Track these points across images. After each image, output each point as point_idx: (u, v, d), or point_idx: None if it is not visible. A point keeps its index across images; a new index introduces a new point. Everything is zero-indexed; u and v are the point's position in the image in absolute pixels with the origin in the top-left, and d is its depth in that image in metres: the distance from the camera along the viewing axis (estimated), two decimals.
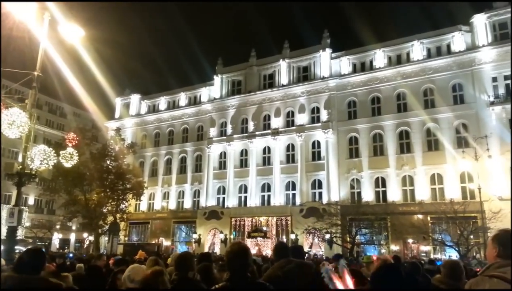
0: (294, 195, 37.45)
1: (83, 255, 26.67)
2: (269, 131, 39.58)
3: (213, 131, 43.14)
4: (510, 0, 30.04)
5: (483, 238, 25.14)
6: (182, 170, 45.12)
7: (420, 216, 30.27)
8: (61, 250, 39.80)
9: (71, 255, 22.01)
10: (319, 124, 37.16)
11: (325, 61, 38.48)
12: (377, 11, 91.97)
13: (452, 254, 26.19)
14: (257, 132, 40.20)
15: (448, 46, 34.12)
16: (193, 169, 44.28)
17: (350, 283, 3.33)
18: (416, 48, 34.86)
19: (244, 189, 40.47)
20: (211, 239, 39.84)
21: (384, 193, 33.71)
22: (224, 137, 42.07)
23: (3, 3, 8.21)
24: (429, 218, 30.24)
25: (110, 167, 35.14)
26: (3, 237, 8.80)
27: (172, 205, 44.29)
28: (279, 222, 36.45)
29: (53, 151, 9.61)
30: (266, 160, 40.10)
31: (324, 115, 37.32)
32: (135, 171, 38.17)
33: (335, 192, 35.04)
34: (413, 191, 32.75)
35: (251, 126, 41.16)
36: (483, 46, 31.88)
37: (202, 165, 43.78)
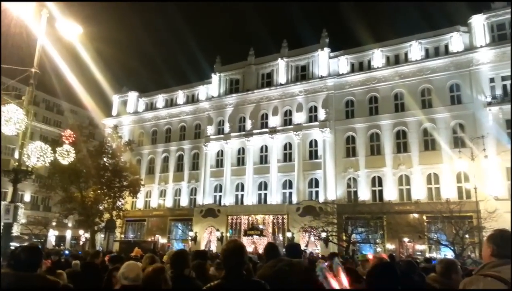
0: (290, 193, 37.50)
1: (79, 252, 26.64)
2: (266, 130, 39.59)
3: (210, 130, 43.12)
4: (509, 0, 30.10)
5: (478, 237, 25.28)
6: (179, 167, 45.08)
7: (416, 215, 30.41)
8: (57, 247, 39.67)
9: (66, 252, 21.96)
10: (317, 123, 37.20)
11: (323, 61, 38.50)
12: (375, 11, 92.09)
13: (448, 253, 26.29)
14: (254, 131, 40.20)
15: (446, 46, 34.19)
16: (190, 167, 44.25)
17: (345, 281, 3.34)
18: (414, 48, 34.93)
19: (241, 187, 40.50)
20: (208, 237, 39.85)
21: (381, 192, 33.81)
22: (222, 135, 42.06)
23: (2, 2, 8.18)
24: (425, 217, 30.38)
25: (107, 164, 35.00)
26: None
27: (169, 203, 44.26)
28: (275, 220, 36.50)
29: (50, 148, 9.56)
30: (263, 159, 40.12)
31: (321, 114, 37.36)
32: (132, 168, 38.05)
33: (331, 190, 35.11)
34: (409, 190, 32.85)
35: (248, 124, 41.16)
36: (481, 47, 31.98)
37: (199, 162, 43.75)
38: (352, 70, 37.65)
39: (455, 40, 33.49)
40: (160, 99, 48.78)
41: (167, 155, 46.16)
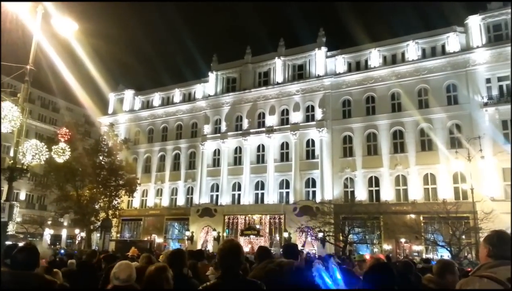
0: (287, 193, 37.50)
1: (75, 251, 26.53)
2: (263, 129, 39.57)
3: (207, 129, 43.04)
4: (508, 0, 30.16)
5: (475, 238, 25.35)
6: (176, 166, 44.99)
7: (412, 216, 30.46)
8: (52, 246, 39.51)
9: (62, 251, 21.87)
10: (314, 122, 37.20)
11: (320, 60, 38.52)
12: (372, 11, 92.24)
13: (444, 254, 26.36)
14: (251, 130, 40.17)
15: (443, 46, 34.28)
16: (186, 166, 44.17)
17: (341, 281, 3.34)
18: (411, 48, 34.99)
19: (237, 186, 40.46)
20: (204, 237, 39.78)
21: (377, 192, 33.85)
22: (218, 134, 42.00)
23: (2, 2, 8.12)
24: (421, 218, 30.44)
25: (103, 162, 34.93)
26: None
27: (165, 202, 44.17)
28: (272, 220, 36.49)
29: (45, 146, 9.50)
30: (260, 158, 40.09)
31: (318, 114, 37.37)
32: (128, 167, 37.98)
33: (328, 190, 35.13)
34: (406, 191, 32.92)
35: (245, 124, 41.12)
36: (478, 47, 32.08)
37: (195, 162, 43.68)
38: (349, 69, 37.68)
39: (452, 40, 33.58)
40: (156, 97, 48.67)
41: (164, 154, 46.06)
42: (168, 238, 42.57)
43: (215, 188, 41.66)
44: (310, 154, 37.63)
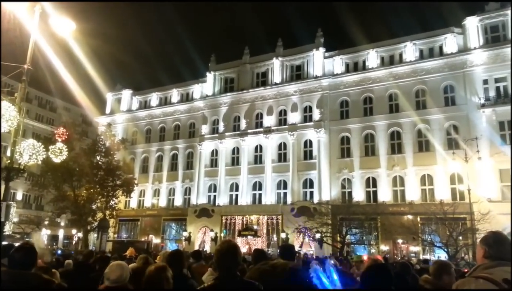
0: (285, 193, 37.49)
1: (72, 252, 26.45)
2: (261, 129, 39.56)
3: (205, 129, 43.00)
4: (508, 0, 30.22)
5: (472, 239, 25.40)
6: (173, 167, 44.92)
7: (410, 217, 30.50)
8: (49, 247, 39.38)
9: (59, 251, 21.82)
10: (311, 123, 37.23)
11: (318, 60, 38.55)
12: (370, 11, 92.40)
13: (441, 255, 26.41)
14: (249, 131, 40.15)
15: (441, 47, 34.36)
16: (184, 166, 44.11)
17: (337, 283, 3.35)
18: (409, 49, 35.07)
19: (235, 187, 40.43)
20: (202, 237, 39.74)
21: (375, 193, 33.89)
22: (216, 135, 41.97)
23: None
24: (418, 219, 30.49)
25: (100, 162, 34.86)
26: None
27: (163, 202, 44.09)
28: (270, 221, 36.47)
29: (42, 146, 9.47)
30: (258, 158, 40.08)
31: (316, 114, 37.39)
32: (126, 167, 37.91)
33: (326, 191, 35.14)
34: (403, 192, 32.96)
35: (243, 124, 41.10)
36: (475, 48, 32.17)
37: (193, 162, 43.62)
38: (347, 70, 37.73)
39: (449, 41, 33.67)
40: (154, 97, 48.60)
41: (161, 154, 45.98)
42: (165, 239, 42.50)
43: (213, 188, 41.62)
44: (307, 154, 37.65)
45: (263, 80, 41.86)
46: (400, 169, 33.14)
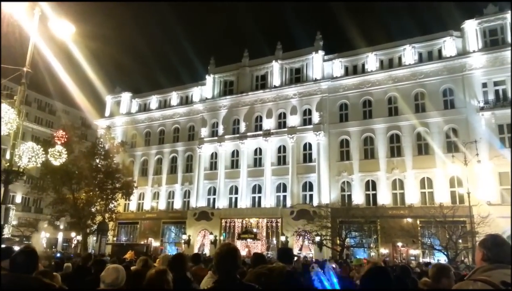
0: (284, 196, 37.46)
1: (71, 255, 26.40)
2: (260, 132, 39.57)
3: (204, 132, 43.00)
4: (509, 0, 30.27)
5: (471, 242, 25.37)
6: (173, 170, 44.89)
7: (409, 220, 30.47)
8: (48, 250, 39.28)
9: (58, 254, 21.76)
10: (311, 126, 37.24)
11: (317, 64, 38.61)
12: (370, 15, 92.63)
13: (441, 258, 26.38)
14: (248, 133, 40.16)
15: (440, 51, 34.45)
16: (183, 169, 44.08)
17: (337, 285, 3.37)
18: (408, 52, 35.14)
19: (234, 190, 40.39)
20: (201, 240, 39.67)
21: (374, 196, 33.87)
22: (216, 137, 41.96)
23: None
24: (418, 222, 30.47)
25: (99, 165, 34.80)
26: None
27: (162, 205, 44.02)
28: (269, 224, 36.42)
29: (42, 149, 9.46)
30: (257, 161, 40.07)
31: (316, 117, 37.41)
32: (125, 170, 37.86)
33: (325, 194, 35.11)
34: (403, 195, 32.94)
35: (242, 127, 41.11)
36: (474, 52, 32.24)
37: (192, 165, 43.59)
38: (346, 73, 37.78)
39: (448, 44, 33.75)
40: (153, 100, 48.61)
41: (161, 157, 45.95)
42: (164, 242, 42.43)
43: (212, 191, 41.58)
44: (307, 157, 37.64)
45: (262, 83, 41.90)
46: (399, 172, 33.14)
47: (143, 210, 44.93)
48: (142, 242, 40.13)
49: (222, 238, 37.52)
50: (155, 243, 41.24)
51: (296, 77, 40.29)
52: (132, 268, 5.76)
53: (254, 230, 36.46)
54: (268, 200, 37.60)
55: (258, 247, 35.05)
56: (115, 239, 43.05)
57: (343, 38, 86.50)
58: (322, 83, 37.62)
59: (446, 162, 30.36)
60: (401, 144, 33.86)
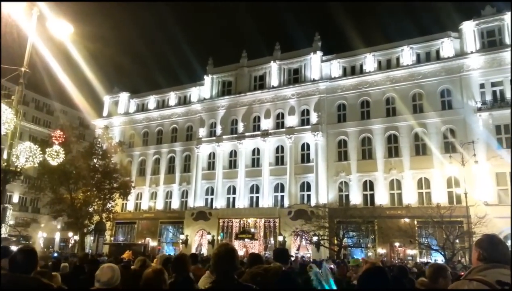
0: (282, 197, 37.47)
1: (68, 254, 26.34)
2: (258, 132, 39.58)
3: (202, 132, 42.97)
4: (508, 0, 30.35)
5: (468, 242, 25.44)
6: (171, 170, 44.85)
7: (407, 220, 30.52)
8: (45, 249, 39.21)
9: (55, 254, 21.70)
10: (309, 126, 37.28)
11: (315, 64, 38.65)
12: (368, 16, 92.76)
13: (438, 258, 26.45)
14: (246, 134, 40.16)
15: (437, 52, 34.54)
16: (181, 169, 44.05)
17: (333, 285, 3.39)
18: (406, 53, 35.21)
19: (232, 190, 40.38)
20: (199, 240, 39.66)
21: (372, 196, 33.92)
22: (214, 138, 41.93)
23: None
24: (415, 222, 30.53)
25: (97, 165, 34.75)
26: None
27: (160, 205, 43.98)
28: (267, 224, 36.43)
29: (39, 148, 9.45)
30: (255, 161, 40.07)
31: (314, 117, 37.45)
32: (123, 170, 37.82)
33: (323, 194, 35.15)
34: (400, 195, 33.00)
35: (240, 127, 41.11)
36: (471, 53, 32.34)
37: (190, 165, 43.56)
38: (344, 74, 37.84)
39: (446, 45, 33.84)
40: (151, 100, 48.56)
41: (159, 157, 45.91)
42: (162, 242, 42.39)
43: (210, 191, 41.56)
44: (305, 157, 37.67)
45: (260, 83, 41.90)
46: (397, 172, 33.21)
47: (141, 210, 44.88)
48: (139, 242, 40.09)
49: (220, 238, 37.51)
50: (152, 243, 41.21)
51: (294, 77, 40.32)
52: (132, 268, 5.77)
53: (252, 230, 36.46)
54: (266, 200, 37.61)
55: (255, 247, 35.07)
56: (112, 239, 42.99)
57: (341, 39, 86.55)
58: (320, 83, 37.66)
59: (443, 162, 30.43)
60: (399, 145, 33.93)
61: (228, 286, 3.08)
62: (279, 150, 39.07)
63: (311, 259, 28.49)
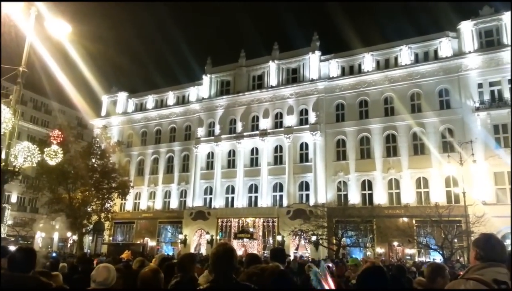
0: (281, 196, 37.48)
1: (66, 255, 26.27)
2: (257, 132, 39.58)
3: (201, 131, 42.95)
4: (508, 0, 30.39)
5: (467, 241, 25.50)
6: (169, 169, 44.83)
7: (405, 219, 30.58)
8: (43, 250, 39.11)
9: (54, 254, 21.67)
10: (307, 126, 37.29)
11: (314, 64, 38.66)
12: (366, 15, 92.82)
13: (436, 258, 26.49)
14: (245, 133, 40.16)
15: (436, 51, 34.59)
16: (180, 169, 44.02)
17: (332, 284, 3.40)
18: (404, 53, 35.25)
19: (231, 189, 40.38)
20: (197, 240, 39.64)
21: (370, 195, 33.97)
22: (212, 137, 41.92)
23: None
24: (414, 221, 30.57)
25: (95, 165, 34.69)
26: None
27: (158, 205, 43.95)
28: (265, 224, 36.44)
29: (37, 148, 9.44)
30: (254, 161, 40.07)
31: (312, 117, 37.46)
32: (121, 170, 37.76)
33: (322, 194, 35.17)
34: (398, 194, 33.05)
35: (239, 127, 41.10)
36: (470, 52, 32.39)
37: (189, 165, 43.55)
38: (343, 73, 37.87)
39: (444, 45, 33.89)
40: (150, 100, 48.52)
41: (157, 157, 45.88)
42: (161, 241, 42.35)
43: (209, 191, 41.55)
44: (303, 157, 37.68)
45: (259, 83, 41.90)
46: (395, 171, 33.25)
47: (140, 209, 44.84)
48: (138, 242, 40.07)
49: (218, 237, 37.50)
50: (151, 243, 41.20)
51: (293, 77, 40.33)
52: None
53: (251, 229, 36.48)
54: (265, 200, 37.62)
55: (254, 246, 35.08)
56: (111, 238, 42.96)
57: (339, 39, 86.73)
58: (318, 83, 37.68)
59: (441, 162, 30.47)
60: (397, 144, 33.97)
61: (227, 285, 3.08)
62: (278, 149, 39.08)
63: (309, 258, 28.51)
